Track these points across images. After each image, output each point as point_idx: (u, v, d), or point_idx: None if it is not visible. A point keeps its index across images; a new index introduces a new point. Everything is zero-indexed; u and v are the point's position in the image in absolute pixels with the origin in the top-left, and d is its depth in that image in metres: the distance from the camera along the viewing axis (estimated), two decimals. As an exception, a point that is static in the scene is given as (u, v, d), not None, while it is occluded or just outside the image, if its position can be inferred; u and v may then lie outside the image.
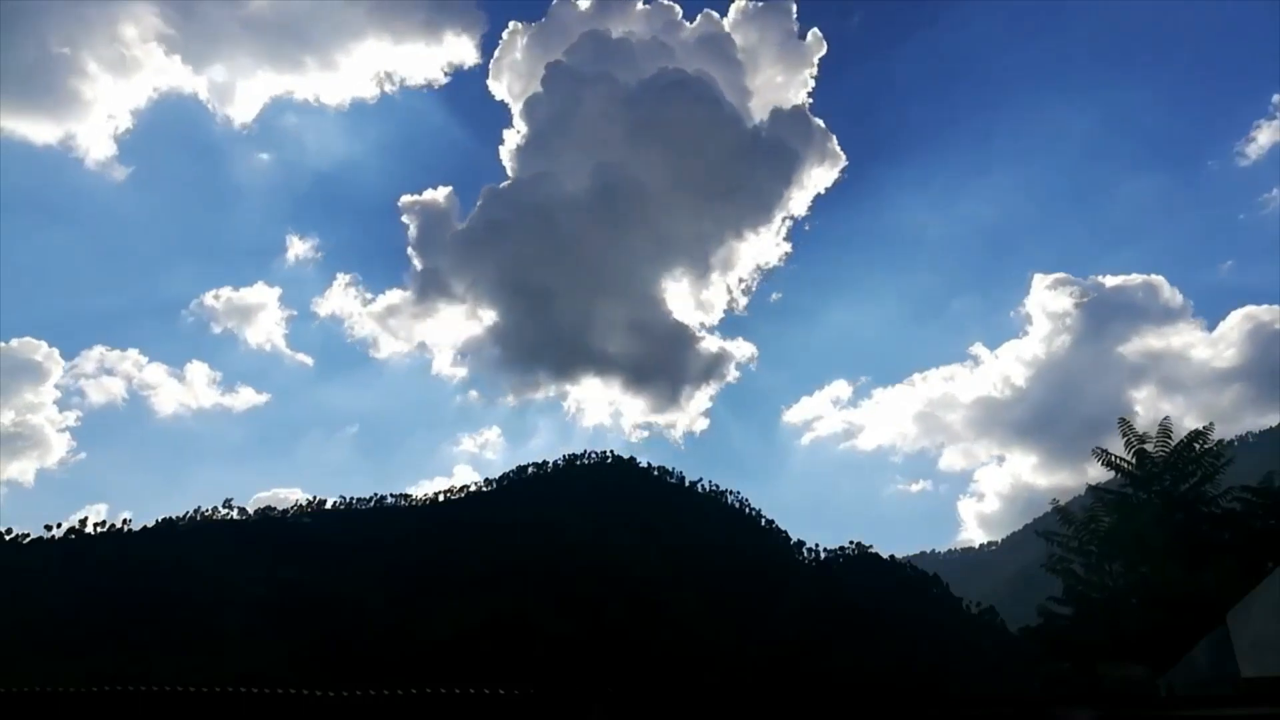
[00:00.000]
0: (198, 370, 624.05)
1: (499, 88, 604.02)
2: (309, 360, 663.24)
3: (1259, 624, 12.92)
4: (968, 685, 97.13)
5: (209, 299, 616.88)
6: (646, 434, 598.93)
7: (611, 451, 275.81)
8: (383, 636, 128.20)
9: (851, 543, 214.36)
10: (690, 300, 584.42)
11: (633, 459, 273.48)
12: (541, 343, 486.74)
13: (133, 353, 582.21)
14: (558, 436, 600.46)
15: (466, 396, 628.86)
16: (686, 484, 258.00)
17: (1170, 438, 17.72)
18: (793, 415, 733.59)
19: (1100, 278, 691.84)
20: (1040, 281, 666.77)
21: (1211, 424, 17.80)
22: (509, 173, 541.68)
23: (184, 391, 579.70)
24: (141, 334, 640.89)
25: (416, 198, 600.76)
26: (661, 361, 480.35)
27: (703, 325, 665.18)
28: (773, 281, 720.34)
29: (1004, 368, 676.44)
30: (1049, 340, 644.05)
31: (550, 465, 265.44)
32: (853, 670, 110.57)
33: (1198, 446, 17.44)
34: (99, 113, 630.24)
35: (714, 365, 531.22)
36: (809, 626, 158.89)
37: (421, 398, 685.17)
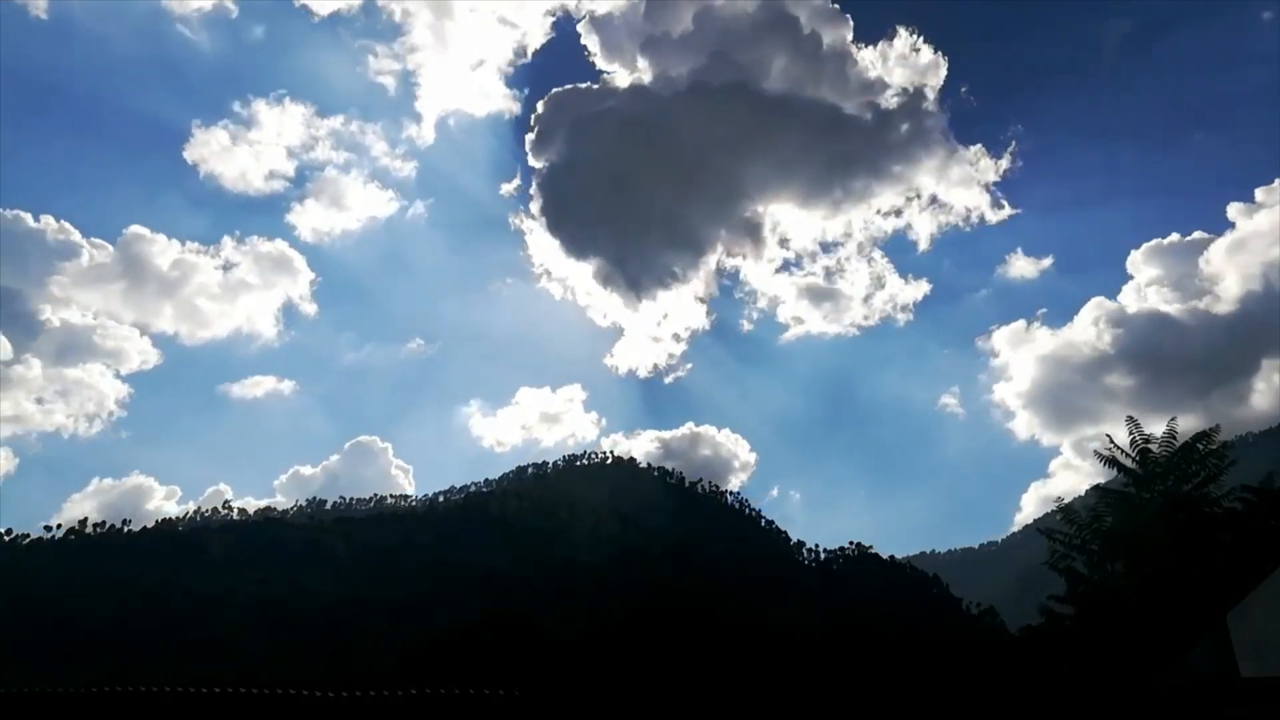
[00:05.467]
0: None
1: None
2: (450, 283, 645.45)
3: (1259, 624, 12.93)
4: (967, 686, 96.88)
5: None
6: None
7: (611, 452, 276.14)
8: (382, 636, 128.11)
9: (851, 543, 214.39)
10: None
11: (632, 459, 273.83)
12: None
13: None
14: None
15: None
16: (686, 484, 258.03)
17: (1175, 439, 17.81)
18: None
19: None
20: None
21: (1218, 426, 17.95)
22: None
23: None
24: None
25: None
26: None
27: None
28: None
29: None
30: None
31: (550, 465, 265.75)
32: (852, 671, 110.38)
33: (1201, 448, 17.51)
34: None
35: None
36: (809, 627, 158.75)
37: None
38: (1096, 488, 19.16)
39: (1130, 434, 18.20)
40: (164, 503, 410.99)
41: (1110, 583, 17.72)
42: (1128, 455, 18.07)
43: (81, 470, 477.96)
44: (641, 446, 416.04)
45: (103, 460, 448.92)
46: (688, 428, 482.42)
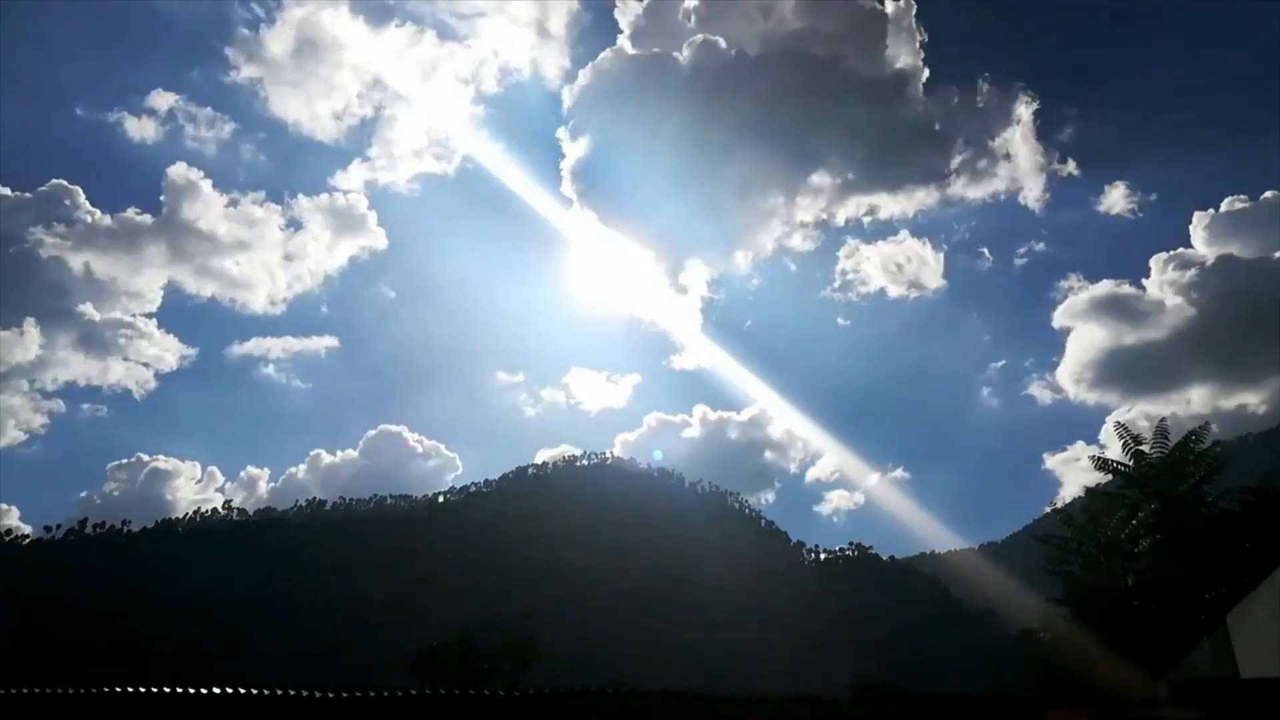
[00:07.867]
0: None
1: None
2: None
3: (1259, 624, 12.93)
4: (967, 687, 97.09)
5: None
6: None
7: (611, 452, 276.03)
8: (381, 637, 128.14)
9: (851, 544, 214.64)
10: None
11: (633, 459, 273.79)
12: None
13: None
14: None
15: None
16: (686, 484, 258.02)
17: (1168, 439, 17.78)
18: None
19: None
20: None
21: (1208, 424, 17.91)
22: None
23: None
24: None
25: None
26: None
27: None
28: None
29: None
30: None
31: (550, 465, 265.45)
32: (853, 672, 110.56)
33: (1194, 447, 17.49)
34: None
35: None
36: (809, 628, 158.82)
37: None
38: (1093, 490, 19.19)
39: (1121, 436, 18.21)
40: (190, 487, 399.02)
41: (1107, 584, 17.74)
42: (1127, 448, 18.07)
43: (116, 452, 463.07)
44: (691, 429, 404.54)
45: (132, 443, 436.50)
46: (736, 411, 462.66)
